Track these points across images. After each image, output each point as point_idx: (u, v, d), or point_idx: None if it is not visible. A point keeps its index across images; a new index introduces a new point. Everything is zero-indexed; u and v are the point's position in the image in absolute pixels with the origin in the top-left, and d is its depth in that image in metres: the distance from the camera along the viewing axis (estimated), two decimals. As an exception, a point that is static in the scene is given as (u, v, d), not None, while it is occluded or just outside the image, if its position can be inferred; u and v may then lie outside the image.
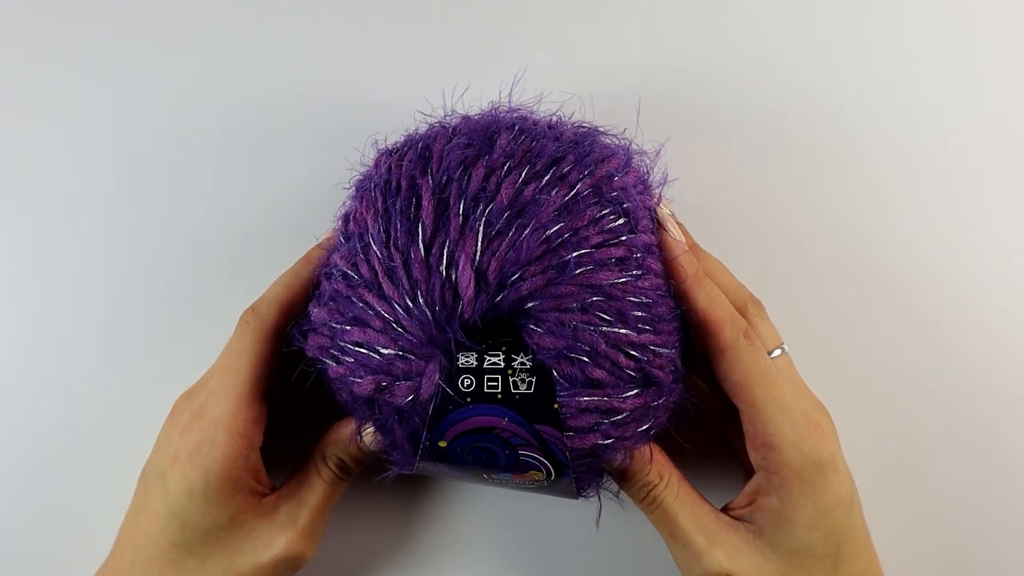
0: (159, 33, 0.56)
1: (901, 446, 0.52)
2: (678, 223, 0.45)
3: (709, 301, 0.43)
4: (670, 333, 0.41)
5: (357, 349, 0.40)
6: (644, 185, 0.44)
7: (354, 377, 0.40)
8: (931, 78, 0.55)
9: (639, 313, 0.40)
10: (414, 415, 0.39)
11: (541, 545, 0.52)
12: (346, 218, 0.43)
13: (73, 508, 0.52)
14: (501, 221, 0.39)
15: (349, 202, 0.44)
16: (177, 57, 0.55)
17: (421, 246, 0.39)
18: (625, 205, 0.41)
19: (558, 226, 0.39)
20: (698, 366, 0.46)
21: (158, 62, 0.55)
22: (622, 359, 0.39)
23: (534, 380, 0.39)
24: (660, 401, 0.41)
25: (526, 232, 0.39)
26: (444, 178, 0.40)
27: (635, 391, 0.40)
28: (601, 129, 0.45)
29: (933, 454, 0.52)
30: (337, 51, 0.56)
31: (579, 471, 0.41)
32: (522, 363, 0.39)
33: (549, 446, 0.39)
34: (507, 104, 0.45)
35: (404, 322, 0.39)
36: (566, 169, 0.40)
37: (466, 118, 0.44)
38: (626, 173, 0.42)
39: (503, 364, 0.39)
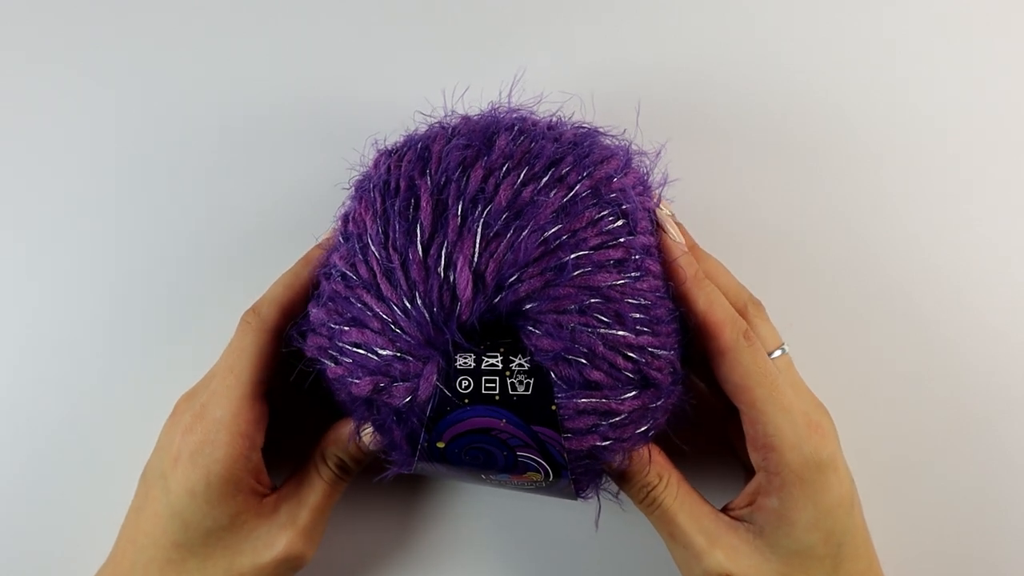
0: (159, 33, 0.56)
1: (901, 446, 0.52)
2: (678, 224, 0.45)
3: (709, 303, 0.43)
4: (669, 335, 0.41)
5: (355, 350, 0.40)
6: (643, 186, 0.44)
7: (352, 378, 0.40)
8: (931, 78, 0.55)
9: (637, 315, 0.40)
10: (412, 416, 0.39)
11: (540, 545, 0.52)
12: (345, 218, 0.43)
13: (73, 508, 0.52)
14: (499, 222, 0.39)
15: (348, 202, 0.44)
16: (177, 57, 0.55)
17: (419, 247, 0.39)
18: (624, 207, 0.41)
19: (556, 228, 0.39)
20: (698, 367, 0.46)
21: (158, 62, 0.55)
22: (620, 361, 0.39)
23: (532, 382, 0.39)
24: (659, 403, 0.41)
25: (524, 234, 0.39)
26: (443, 179, 0.40)
27: (633, 393, 0.40)
28: (601, 130, 0.45)
29: (933, 454, 0.52)
30: (337, 51, 0.56)
31: (577, 472, 0.41)
32: (520, 364, 0.39)
33: (547, 447, 0.39)
34: (507, 105, 0.45)
35: (402, 323, 0.39)
36: (565, 170, 0.40)
37: (466, 118, 0.44)
38: (625, 174, 0.42)
39: (501, 365, 0.39)
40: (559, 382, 0.39)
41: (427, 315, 0.39)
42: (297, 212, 0.54)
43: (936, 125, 0.54)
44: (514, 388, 0.39)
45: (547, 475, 0.40)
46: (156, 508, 0.43)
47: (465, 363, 0.39)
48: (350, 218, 0.43)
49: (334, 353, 0.41)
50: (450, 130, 0.43)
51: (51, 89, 0.55)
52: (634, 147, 0.44)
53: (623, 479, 0.44)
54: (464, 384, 0.39)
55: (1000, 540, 0.52)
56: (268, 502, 0.45)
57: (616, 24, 0.55)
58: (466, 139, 0.41)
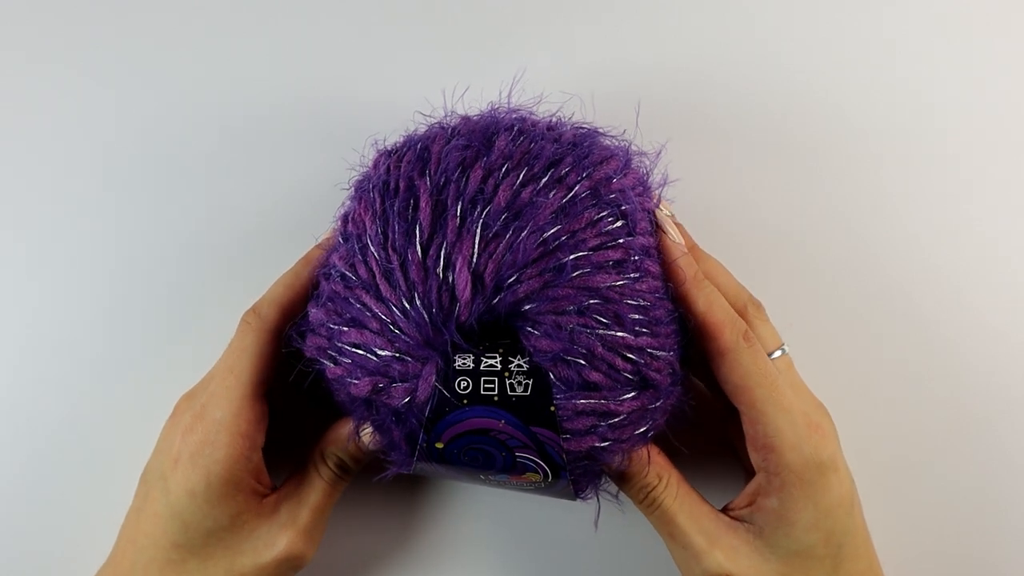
0: (159, 33, 0.56)
1: (901, 446, 0.52)
2: (677, 224, 0.45)
3: (708, 304, 0.43)
4: (668, 336, 0.41)
5: (354, 350, 0.40)
6: (643, 187, 0.44)
7: (351, 378, 0.40)
8: (931, 78, 0.55)
9: (636, 316, 0.40)
10: (411, 416, 0.39)
11: (540, 545, 0.52)
12: (345, 219, 0.43)
13: (73, 508, 0.52)
14: (498, 223, 0.39)
15: (348, 203, 0.44)
16: (177, 57, 0.55)
17: (418, 248, 0.39)
18: (623, 207, 0.41)
19: (555, 228, 0.39)
20: (698, 368, 0.46)
21: (158, 62, 0.55)
22: (619, 362, 0.39)
23: (531, 383, 0.39)
24: (658, 404, 0.41)
25: (523, 234, 0.39)
26: (442, 180, 0.40)
27: (632, 394, 0.40)
28: (601, 130, 0.45)
29: (933, 454, 0.52)
30: (337, 51, 0.56)
31: (576, 473, 0.41)
32: (519, 365, 0.39)
33: (546, 448, 0.39)
34: (506, 105, 0.45)
35: (401, 324, 0.39)
36: (564, 171, 0.40)
37: (465, 119, 0.44)
38: (625, 175, 0.42)
39: (500, 366, 0.39)
40: (558, 383, 0.39)
41: (426, 316, 0.39)
42: (297, 212, 0.54)
43: (936, 125, 0.54)
44: (513, 389, 0.39)
45: (546, 476, 0.40)
46: (156, 509, 0.43)
47: (464, 364, 0.39)
48: (349, 218, 0.43)
49: (333, 353, 0.41)
50: (450, 130, 0.43)
51: (51, 89, 0.55)
52: (634, 148, 0.44)
53: (623, 479, 0.44)
54: (463, 385, 0.39)
55: (1000, 540, 0.52)
56: (268, 502, 0.45)
57: (616, 24, 0.55)
58: (465, 139, 0.41)
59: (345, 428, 0.45)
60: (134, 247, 0.54)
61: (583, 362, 0.39)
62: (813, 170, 0.54)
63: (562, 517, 0.52)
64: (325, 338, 0.41)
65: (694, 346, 0.44)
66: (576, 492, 0.42)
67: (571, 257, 0.39)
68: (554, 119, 0.45)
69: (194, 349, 0.52)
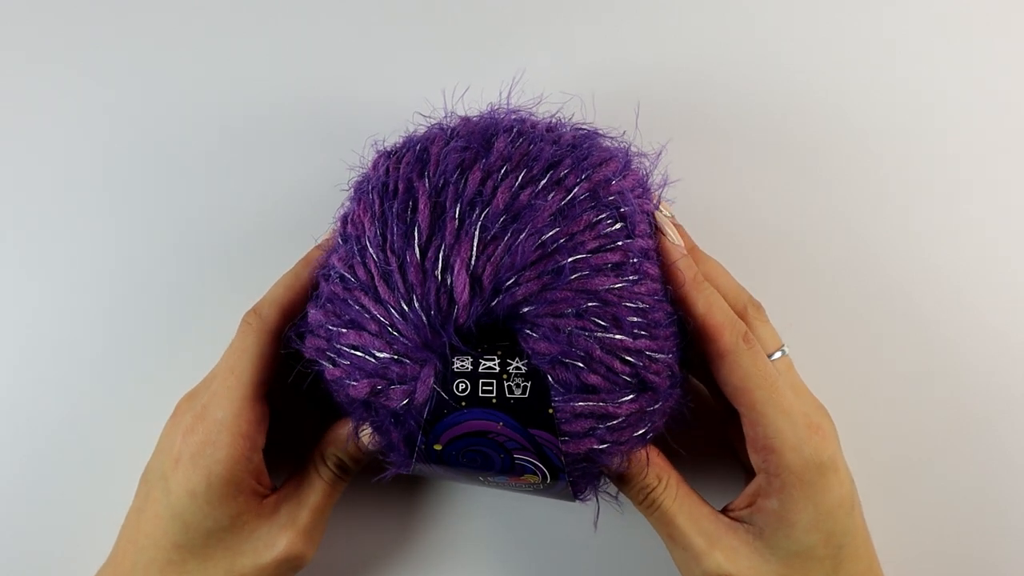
0: (159, 33, 0.56)
1: (901, 446, 0.52)
2: (677, 226, 0.45)
3: (708, 305, 0.43)
4: (667, 338, 0.41)
5: (353, 352, 0.40)
6: (643, 188, 0.44)
7: (350, 380, 0.40)
8: (931, 78, 0.55)
9: (635, 318, 0.40)
10: (409, 418, 0.39)
11: (540, 545, 0.52)
12: (344, 220, 0.43)
13: (73, 508, 0.52)
14: (497, 225, 0.39)
15: (347, 204, 0.44)
16: (177, 57, 0.55)
17: (417, 250, 0.39)
18: (622, 209, 0.41)
19: (554, 231, 0.39)
20: (698, 369, 0.46)
21: (158, 62, 0.55)
22: (617, 365, 0.39)
23: (529, 385, 0.39)
24: (656, 406, 0.41)
25: (521, 237, 0.39)
26: (441, 181, 0.40)
27: (631, 396, 0.40)
28: (600, 131, 0.44)
29: (933, 454, 0.52)
30: (337, 51, 0.56)
31: (575, 475, 0.41)
32: (517, 368, 0.39)
33: (544, 450, 0.39)
34: (506, 106, 0.45)
35: (399, 326, 0.39)
36: (563, 173, 0.40)
37: (465, 120, 0.44)
38: (624, 177, 0.42)
39: (498, 368, 0.39)
40: (556, 385, 0.39)
41: (424, 318, 0.39)
42: (297, 212, 0.54)
43: (936, 125, 0.54)
44: (511, 391, 0.39)
45: (544, 478, 0.40)
46: (157, 509, 0.43)
47: (462, 366, 0.39)
48: (349, 220, 0.43)
49: (332, 355, 0.41)
50: (449, 132, 0.43)
51: (51, 89, 0.55)
52: (634, 149, 0.44)
53: (622, 481, 0.44)
54: (461, 387, 0.39)
55: (1000, 540, 0.52)
56: (268, 503, 0.45)
57: (616, 24, 0.55)
58: (465, 141, 0.41)
59: (344, 429, 0.45)
60: (134, 247, 0.54)
61: (581, 364, 0.39)
62: (813, 170, 0.54)
63: (561, 517, 0.52)
64: (324, 339, 0.41)
65: (694, 348, 0.44)
66: (575, 494, 0.42)
67: (569, 260, 0.39)
68: (554, 120, 0.45)
69: (194, 349, 0.52)
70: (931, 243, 0.54)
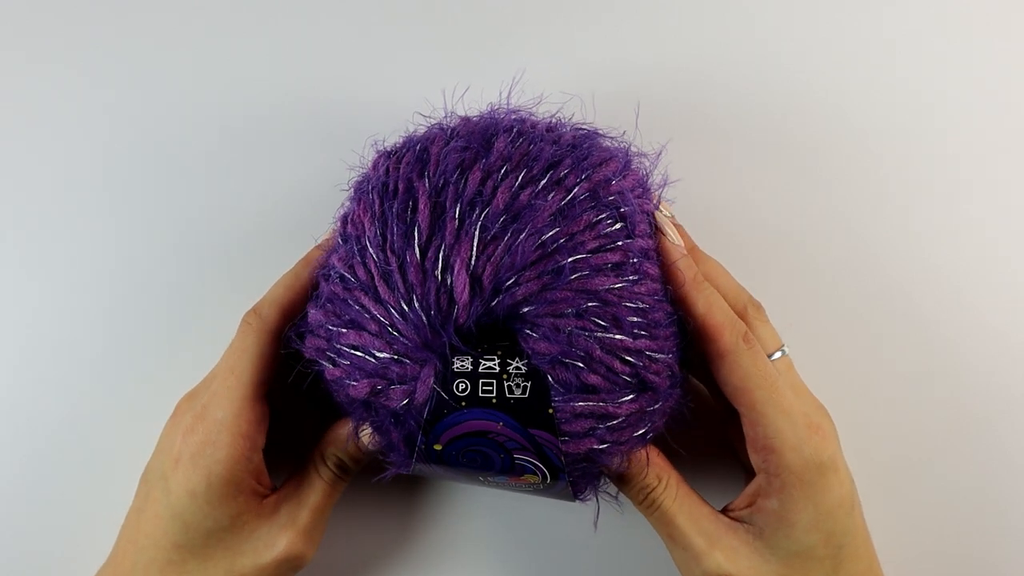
0: (159, 33, 0.55)
1: (901, 446, 0.52)
2: (677, 226, 0.45)
3: (708, 305, 0.43)
4: (667, 338, 0.41)
5: (353, 352, 0.40)
6: (643, 188, 0.44)
7: (350, 380, 0.40)
8: (931, 78, 0.55)
9: (635, 318, 0.40)
10: (409, 418, 0.39)
11: (540, 545, 0.52)
12: (344, 220, 0.43)
13: (73, 508, 0.52)
14: (496, 226, 0.39)
15: (347, 204, 0.44)
16: (177, 57, 0.55)
17: (417, 250, 0.39)
18: (622, 209, 0.41)
19: (554, 231, 0.39)
20: (698, 369, 0.46)
21: (158, 62, 0.55)
22: (617, 365, 0.39)
23: (529, 385, 0.39)
24: (656, 406, 0.41)
25: (521, 237, 0.39)
26: (441, 181, 0.40)
27: (631, 396, 0.40)
28: (600, 131, 0.44)
29: (933, 454, 0.52)
30: (337, 51, 0.55)
31: (575, 475, 0.41)
32: (517, 368, 0.39)
33: (544, 450, 0.39)
34: (506, 106, 0.45)
35: (399, 326, 0.39)
36: (563, 173, 0.40)
37: (465, 120, 0.44)
38: (624, 177, 0.42)
39: (498, 368, 0.39)
40: (556, 385, 0.39)
41: (424, 318, 0.39)
42: (297, 212, 0.54)
43: (936, 125, 0.54)
44: (511, 391, 0.39)
45: (544, 478, 0.40)
46: (157, 509, 0.43)
47: (462, 366, 0.39)
48: (349, 220, 0.43)
49: (332, 355, 0.41)
50: (449, 132, 0.43)
51: (51, 89, 0.55)
52: (634, 149, 0.44)
53: (622, 481, 0.44)
54: (461, 387, 0.39)
55: (1000, 540, 0.52)
56: (268, 503, 0.45)
57: (616, 24, 0.55)
58: (465, 141, 0.41)
59: (344, 429, 0.45)
60: (134, 247, 0.54)
61: (581, 365, 0.39)
62: (813, 170, 0.54)
63: (561, 517, 0.52)
64: (324, 339, 0.41)
65: (694, 348, 0.44)
66: (575, 494, 0.42)
67: (569, 260, 0.39)
68: (554, 120, 0.45)
69: (194, 349, 0.52)
70: (931, 243, 0.54)
